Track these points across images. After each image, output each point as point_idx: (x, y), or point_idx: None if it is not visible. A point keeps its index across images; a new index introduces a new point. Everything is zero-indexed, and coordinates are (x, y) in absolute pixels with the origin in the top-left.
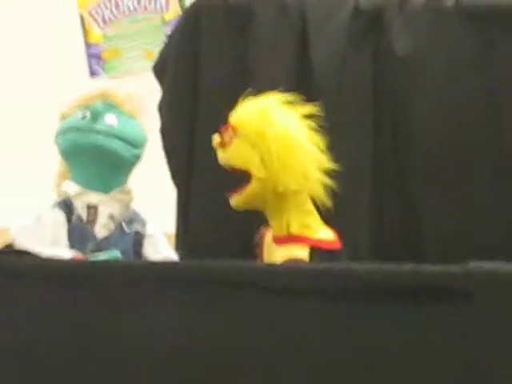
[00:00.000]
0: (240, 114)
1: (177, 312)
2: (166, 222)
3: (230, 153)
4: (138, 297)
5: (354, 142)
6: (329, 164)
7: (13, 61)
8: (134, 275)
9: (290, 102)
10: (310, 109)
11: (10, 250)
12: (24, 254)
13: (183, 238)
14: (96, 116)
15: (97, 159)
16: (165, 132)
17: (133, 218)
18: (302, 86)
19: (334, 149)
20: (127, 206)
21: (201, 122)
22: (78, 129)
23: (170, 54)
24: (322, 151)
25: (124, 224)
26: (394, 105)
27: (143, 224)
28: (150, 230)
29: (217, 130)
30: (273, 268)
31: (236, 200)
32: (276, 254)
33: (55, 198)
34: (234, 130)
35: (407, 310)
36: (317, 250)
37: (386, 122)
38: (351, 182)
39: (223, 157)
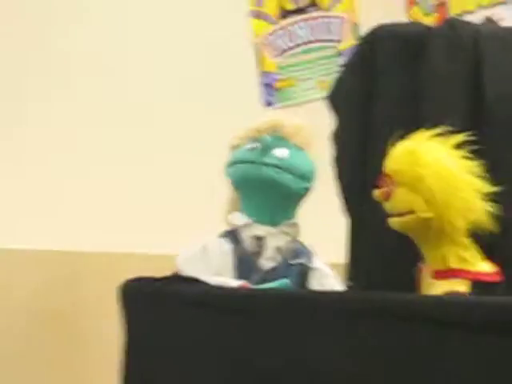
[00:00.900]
0: (392, 161)
1: (349, 342)
2: (336, 253)
3: (394, 203)
4: (304, 326)
5: None
6: (489, 188)
7: (185, 87)
8: (309, 304)
9: (439, 135)
10: (460, 137)
11: (180, 277)
12: (193, 281)
13: (353, 269)
14: (266, 149)
15: (266, 192)
16: (337, 162)
17: (299, 251)
18: (473, 115)
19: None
20: (294, 239)
21: (373, 152)
22: (248, 161)
23: (344, 83)
24: (480, 177)
25: (289, 256)
26: None
27: (309, 257)
28: (315, 263)
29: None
30: (448, 301)
31: (394, 223)
32: (435, 288)
33: (221, 227)
34: (391, 179)
35: None
36: (479, 284)
37: None
38: None
39: (389, 207)
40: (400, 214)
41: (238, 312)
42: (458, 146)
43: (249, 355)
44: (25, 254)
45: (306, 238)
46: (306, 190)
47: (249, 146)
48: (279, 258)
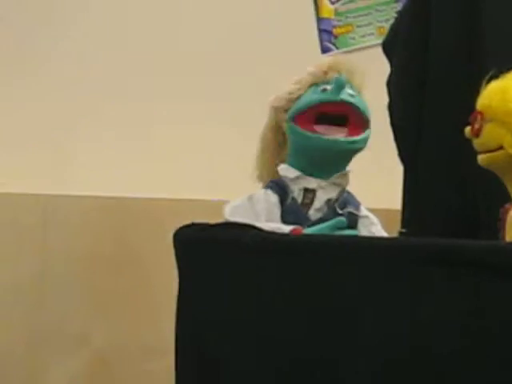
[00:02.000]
0: (483, 98)
1: (398, 290)
2: (392, 199)
3: (484, 139)
4: (360, 273)
5: None
6: None
7: (241, 34)
8: (356, 251)
9: None
10: None
11: (235, 224)
12: (248, 227)
13: (409, 215)
14: (340, 87)
15: (334, 153)
16: (393, 108)
17: (347, 200)
18: None
19: None
20: (343, 189)
21: (430, 97)
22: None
23: (399, 29)
24: None
25: (337, 206)
26: None
27: (357, 206)
28: (363, 211)
29: (445, 103)
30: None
31: (482, 159)
32: None
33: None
34: (482, 115)
35: None
36: None
37: None
38: None
39: (478, 144)
40: (489, 151)
41: (299, 258)
42: None
43: (308, 300)
44: (84, 200)
45: (360, 185)
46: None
47: (319, 88)
48: (327, 209)
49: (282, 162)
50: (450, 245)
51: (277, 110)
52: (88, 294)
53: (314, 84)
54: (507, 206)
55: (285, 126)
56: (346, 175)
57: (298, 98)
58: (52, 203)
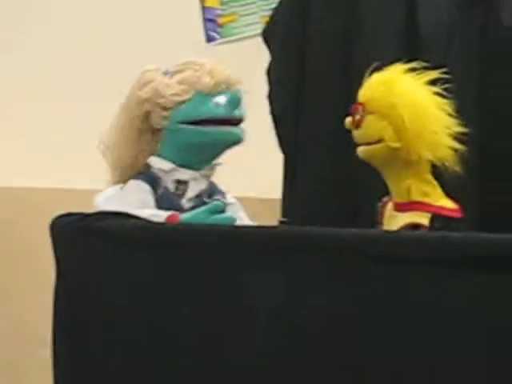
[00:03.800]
0: (366, 90)
1: (275, 277)
2: (272, 188)
3: (364, 130)
4: (238, 260)
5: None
6: (458, 128)
7: (127, 22)
8: (235, 239)
9: (412, 70)
10: (432, 74)
11: (110, 212)
12: (123, 216)
13: (289, 204)
14: (236, 103)
15: (219, 148)
16: (272, 97)
17: (212, 190)
18: (410, 47)
19: None
20: (210, 180)
21: (308, 86)
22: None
23: (278, 19)
24: (451, 115)
25: (204, 196)
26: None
27: (223, 194)
28: (229, 198)
29: (323, 94)
30: (374, 235)
31: (362, 151)
32: (396, 220)
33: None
34: (364, 107)
35: None
36: (438, 218)
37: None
38: None
39: (358, 136)
40: (369, 143)
41: (173, 247)
42: (431, 83)
43: (181, 291)
44: None
45: (240, 174)
46: None
47: (214, 100)
48: (196, 198)
49: (142, 150)
50: (327, 233)
51: (153, 104)
52: None
53: (203, 92)
54: (385, 199)
55: (158, 120)
56: (214, 167)
57: (184, 101)
58: None
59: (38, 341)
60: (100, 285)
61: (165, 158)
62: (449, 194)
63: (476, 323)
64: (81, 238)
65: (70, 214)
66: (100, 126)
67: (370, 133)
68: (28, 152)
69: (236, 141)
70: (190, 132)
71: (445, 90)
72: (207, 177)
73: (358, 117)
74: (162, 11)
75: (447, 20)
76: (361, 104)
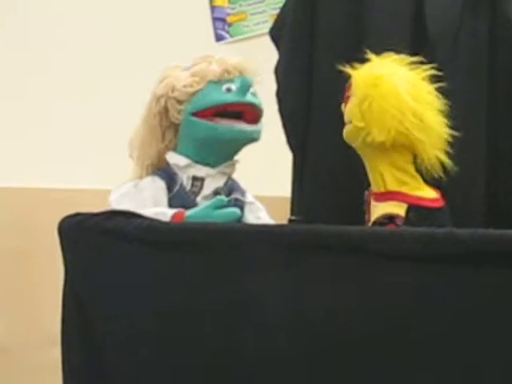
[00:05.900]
0: (357, 72)
1: (285, 275)
2: (283, 186)
3: (347, 109)
4: (246, 258)
5: (467, 99)
6: (444, 129)
7: (139, 24)
8: (243, 237)
9: (409, 64)
10: (427, 71)
11: (116, 212)
12: (130, 215)
13: (298, 202)
14: (245, 89)
15: (234, 146)
16: (281, 95)
17: (232, 187)
18: (416, 42)
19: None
20: (229, 178)
21: (317, 84)
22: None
23: (286, 17)
24: (443, 114)
25: (223, 193)
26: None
27: (242, 192)
28: (249, 197)
29: (332, 91)
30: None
31: (343, 132)
32: (376, 211)
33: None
34: (351, 88)
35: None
36: (416, 208)
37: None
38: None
39: (345, 113)
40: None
41: (177, 246)
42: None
43: (190, 290)
44: None
45: (252, 172)
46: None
47: (224, 87)
48: (214, 196)
49: (166, 147)
50: (336, 231)
51: (168, 99)
52: None
53: (213, 81)
54: (369, 189)
55: (175, 115)
56: (233, 164)
57: (196, 92)
58: None
59: (48, 340)
60: (108, 284)
61: (181, 153)
62: (456, 192)
63: (488, 319)
64: (88, 238)
65: (77, 214)
66: (103, 127)
67: (350, 112)
68: (28, 152)
69: (249, 139)
70: (202, 126)
71: (443, 88)
72: (225, 174)
73: (347, 94)
74: (171, 10)
75: (454, 16)
76: (349, 84)
